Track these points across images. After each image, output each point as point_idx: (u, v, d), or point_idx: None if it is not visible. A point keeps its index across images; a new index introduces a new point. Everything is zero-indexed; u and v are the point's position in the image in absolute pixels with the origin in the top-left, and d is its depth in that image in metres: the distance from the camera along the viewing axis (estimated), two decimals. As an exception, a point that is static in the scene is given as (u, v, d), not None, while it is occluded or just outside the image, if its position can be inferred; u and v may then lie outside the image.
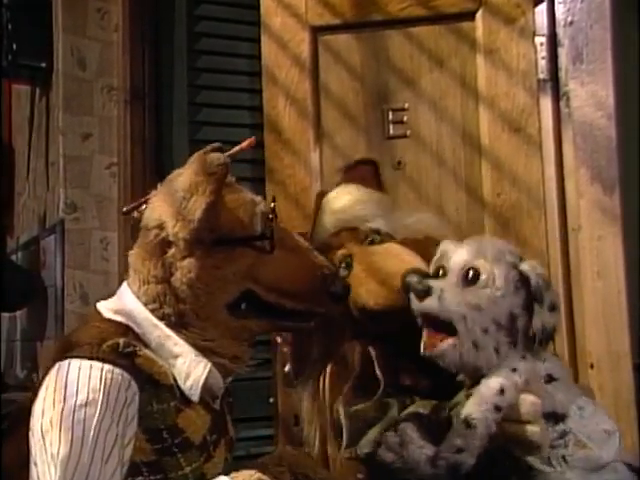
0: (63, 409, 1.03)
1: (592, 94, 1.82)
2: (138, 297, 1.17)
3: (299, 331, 1.32)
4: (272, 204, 1.25)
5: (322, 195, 1.38)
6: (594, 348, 1.78)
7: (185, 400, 1.13)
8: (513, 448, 1.12)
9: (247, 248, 1.18)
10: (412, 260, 1.29)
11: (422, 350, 1.21)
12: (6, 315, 2.87)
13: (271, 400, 1.94)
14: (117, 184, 2.41)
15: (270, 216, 1.21)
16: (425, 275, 1.23)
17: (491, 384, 1.12)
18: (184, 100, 2.31)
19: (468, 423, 1.09)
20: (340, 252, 1.32)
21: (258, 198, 1.24)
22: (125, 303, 1.18)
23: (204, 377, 1.14)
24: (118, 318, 1.16)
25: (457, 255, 1.23)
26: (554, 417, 1.16)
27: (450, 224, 1.88)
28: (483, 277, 1.19)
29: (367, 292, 1.27)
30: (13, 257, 2.97)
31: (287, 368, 1.88)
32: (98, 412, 1.03)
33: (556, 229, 1.85)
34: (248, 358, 1.24)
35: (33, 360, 2.68)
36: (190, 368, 1.14)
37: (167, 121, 2.33)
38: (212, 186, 1.13)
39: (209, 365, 1.15)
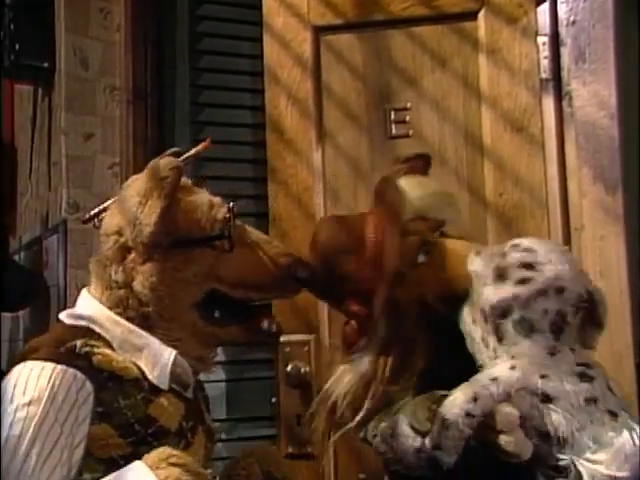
0: (7, 407, 1.05)
1: (594, 94, 1.81)
2: (101, 302, 1.19)
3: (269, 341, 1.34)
4: (230, 204, 1.25)
5: (391, 179, 1.37)
6: (597, 348, 1.77)
7: (154, 390, 1.15)
8: (497, 455, 1.10)
9: (206, 248, 1.20)
10: None
11: None
12: (9, 315, 2.88)
13: (273, 400, 1.94)
14: (119, 184, 2.41)
15: (227, 216, 1.23)
16: None
17: (465, 391, 1.12)
18: (186, 100, 2.31)
19: (443, 424, 1.10)
20: (419, 238, 1.31)
21: (216, 199, 1.25)
22: (85, 307, 1.21)
23: (170, 363, 1.16)
24: (79, 322, 1.18)
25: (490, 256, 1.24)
26: (549, 439, 1.12)
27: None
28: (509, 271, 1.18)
29: (450, 278, 1.26)
30: (16, 257, 2.97)
31: (289, 367, 1.89)
32: (41, 411, 1.05)
33: (558, 229, 1.84)
34: (213, 361, 1.28)
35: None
36: (156, 357, 1.16)
37: (169, 121, 2.33)
38: (165, 190, 1.15)
39: (174, 352, 1.17)
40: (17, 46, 2.52)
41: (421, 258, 1.29)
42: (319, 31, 2.00)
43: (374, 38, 1.98)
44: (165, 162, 1.18)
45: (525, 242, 1.23)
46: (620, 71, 1.82)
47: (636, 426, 1.14)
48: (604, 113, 1.81)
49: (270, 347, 1.96)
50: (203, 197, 1.24)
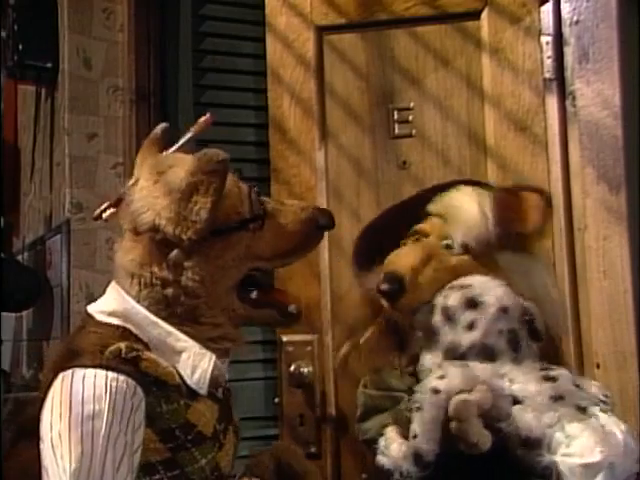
0: (70, 422, 1.03)
1: (598, 93, 1.81)
2: (138, 301, 1.16)
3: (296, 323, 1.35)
4: (238, 173, 1.26)
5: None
6: (600, 348, 1.77)
7: (192, 395, 1.14)
8: (459, 444, 1.13)
9: (242, 231, 1.20)
10: None
11: None
12: (12, 315, 2.88)
13: (276, 400, 1.94)
14: (123, 184, 2.40)
15: (256, 193, 1.24)
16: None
17: (435, 372, 1.19)
18: (189, 100, 2.30)
19: (416, 407, 1.16)
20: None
21: (237, 180, 1.25)
22: (119, 304, 1.18)
23: (210, 369, 1.15)
24: (114, 321, 1.16)
25: None
26: (527, 442, 1.15)
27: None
28: None
29: None
30: (19, 257, 2.98)
31: (292, 367, 1.89)
32: (105, 423, 1.03)
33: (562, 228, 1.84)
34: (242, 342, 1.28)
35: (39, 360, 2.69)
36: (195, 362, 1.15)
37: (172, 121, 2.32)
38: (215, 185, 1.13)
39: (213, 357, 1.16)
40: (20, 46, 2.53)
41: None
42: (322, 31, 1.99)
43: (377, 38, 1.98)
44: (210, 155, 1.16)
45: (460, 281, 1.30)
46: (624, 71, 1.81)
47: (606, 416, 1.19)
48: (608, 113, 1.80)
49: (273, 347, 1.96)
50: (228, 180, 1.21)
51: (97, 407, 1.03)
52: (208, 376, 1.15)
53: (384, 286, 1.32)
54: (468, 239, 1.35)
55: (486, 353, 1.23)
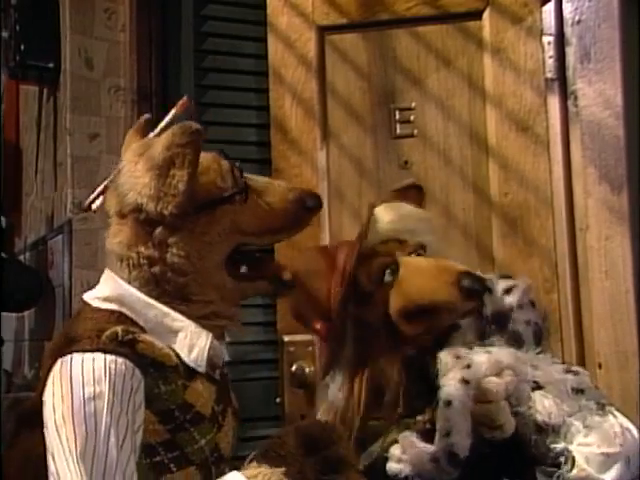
0: (72, 404, 1.04)
1: (600, 93, 1.81)
2: (130, 282, 1.17)
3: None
4: (225, 154, 1.26)
5: (373, 207, 1.40)
6: (602, 348, 1.77)
7: (189, 375, 1.15)
8: (481, 431, 1.13)
9: (225, 205, 1.20)
10: (462, 266, 1.30)
11: None
12: (14, 315, 2.88)
13: (278, 400, 1.94)
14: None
15: (235, 168, 1.23)
16: (479, 277, 1.25)
17: (461, 361, 1.17)
18: (191, 100, 2.30)
19: (445, 402, 1.12)
20: (386, 258, 1.33)
21: (215, 155, 1.25)
22: (113, 290, 1.19)
23: (208, 347, 1.16)
24: (109, 306, 1.17)
25: None
26: (545, 428, 1.16)
27: (457, 224, 1.89)
28: None
29: (416, 289, 1.28)
30: (21, 257, 2.98)
31: (294, 367, 1.89)
32: (107, 403, 1.04)
33: (564, 229, 1.84)
34: (239, 319, 1.28)
35: (41, 360, 2.69)
36: (193, 340, 1.16)
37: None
38: (190, 156, 1.14)
39: (210, 335, 1.17)
40: (22, 46, 2.53)
41: (387, 277, 1.31)
42: (323, 31, 1.99)
43: (379, 38, 1.98)
44: (181, 128, 1.16)
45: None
46: (626, 71, 1.81)
47: (622, 417, 1.20)
48: (609, 112, 1.80)
49: (275, 347, 1.96)
50: (205, 156, 1.22)
51: (98, 389, 1.05)
52: (206, 354, 1.16)
53: (473, 284, 1.24)
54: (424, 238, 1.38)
55: (514, 340, 1.24)
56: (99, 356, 1.07)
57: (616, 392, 1.73)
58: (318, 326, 1.38)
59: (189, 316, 1.17)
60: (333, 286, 1.32)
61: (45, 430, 1.07)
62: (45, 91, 2.73)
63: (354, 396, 1.30)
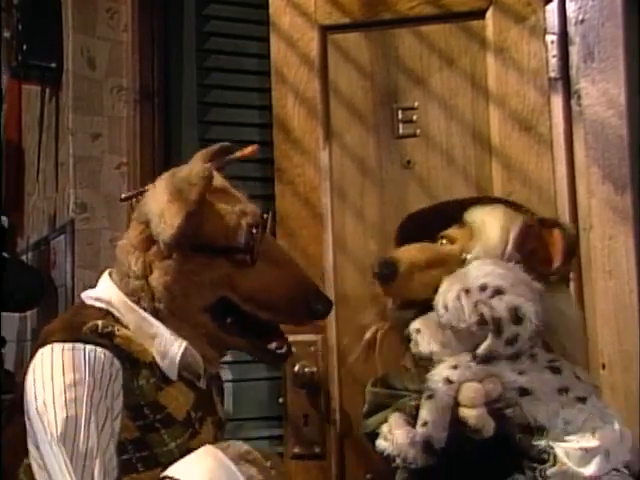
0: (54, 390, 1.08)
1: (603, 92, 1.80)
2: (119, 288, 1.21)
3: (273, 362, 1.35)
4: (265, 216, 1.27)
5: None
6: (606, 348, 1.76)
7: (166, 378, 1.17)
8: (462, 430, 1.17)
9: (226, 259, 1.20)
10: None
11: None
12: (16, 315, 2.88)
13: (280, 400, 1.93)
14: (127, 184, 2.41)
15: (255, 230, 1.22)
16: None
17: (447, 361, 1.21)
18: (193, 99, 2.31)
19: (428, 395, 1.18)
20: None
21: (250, 208, 1.25)
22: (105, 290, 1.23)
23: (179, 355, 1.18)
24: (98, 304, 1.21)
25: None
26: (529, 429, 1.19)
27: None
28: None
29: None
30: (23, 257, 2.98)
31: (296, 367, 1.89)
32: (87, 389, 1.08)
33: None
34: (218, 362, 1.29)
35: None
36: (166, 347, 1.18)
37: (176, 121, 2.33)
38: (193, 197, 1.15)
39: (184, 343, 1.19)
40: (24, 46, 2.53)
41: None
42: (326, 30, 1.98)
43: (381, 37, 1.97)
44: (199, 169, 1.19)
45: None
46: (629, 70, 1.80)
47: (603, 405, 1.26)
48: (613, 112, 1.79)
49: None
50: (236, 204, 1.24)
51: (78, 375, 1.09)
52: (177, 360, 1.18)
53: (376, 268, 1.33)
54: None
55: (513, 359, 1.24)
56: (78, 345, 1.11)
57: (620, 392, 1.72)
58: None
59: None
60: None
61: (26, 417, 1.11)
62: (47, 91, 2.73)
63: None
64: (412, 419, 1.22)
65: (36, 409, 1.09)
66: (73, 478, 1.05)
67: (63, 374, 1.09)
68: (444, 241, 1.41)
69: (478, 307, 1.23)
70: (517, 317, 1.22)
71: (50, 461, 1.06)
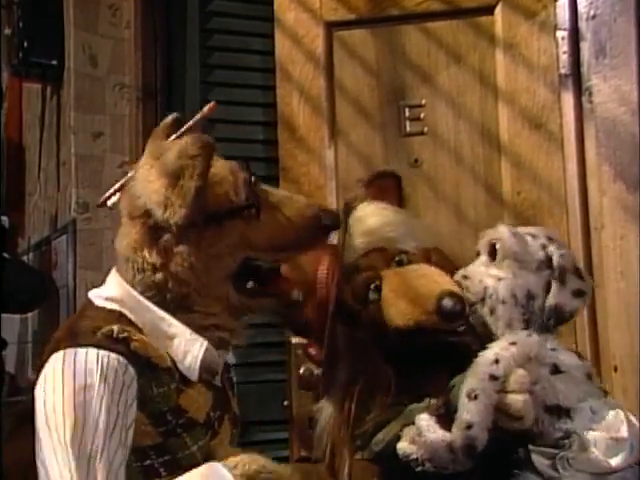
0: (64, 394, 1.05)
1: (615, 89, 1.78)
2: (133, 285, 1.17)
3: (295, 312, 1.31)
4: (247, 165, 1.24)
5: (348, 208, 1.37)
6: (617, 350, 1.75)
7: (185, 380, 1.15)
8: (499, 418, 1.12)
9: (236, 219, 1.18)
10: (443, 280, 1.28)
11: None
12: (18, 317, 2.87)
13: (285, 403, 1.92)
14: (129, 183, 2.40)
15: (252, 182, 1.21)
16: (459, 296, 1.23)
17: (486, 355, 1.14)
18: (197, 97, 2.29)
19: (470, 396, 1.11)
20: (369, 274, 1.31)
21: (235, 166, 1.23)
22: (116, 290, 1.19)
23: (201, 355, 1.15)
24: (111, 305, 1.18)
25: (486, 234, 1.29)
26: (557, 411, 1.16)
27: (468, 223, 1.86)
28: (498, 246, 1.25)
29: (397, 313, 1.26)
30: (24, 258, 2.97)
31: (302, 370, 1.87)
32: (97, 394, 1.05)
33: (578, 228, 1.81)
34: (242, 333, 1.26)
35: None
36: (187, 347, 1.15)
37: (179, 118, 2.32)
38: (198, 169, 1.13)
39: (205, 343, 1.16)
40: (25, 44, 2.52)
41: (372, 295, 1.30)
42: (331, 27, 1.97)
43: (388, 34, 1.95)
44: (194, 139, 1.15)
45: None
46: (642, 66, 1.78)
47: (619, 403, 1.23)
48: (625, 109, 1.78)
49: (283, 349, 1.94)
50: (223, 166, 1.22)
51: (89, 380, 1.06)
52: (198, 362, 1.15)
53: (454, 307, 1.21)
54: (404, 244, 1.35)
55: (558, 321, 1.24)
56: (92, 351, 1.08)
57: (632, 395, 1.70)
58: (313, 352, 1.36)
59: (189, 325, 1.17)
60: (319, 311, 1.30)
61: (36, 421, 1.08)
62: (48, 89, 2.73)
63: (344, 414, 1.31)
64: (439, 421, 1.16)
65: (45, 414, 1.06)
66: None
67: (74, 378, 1.06)
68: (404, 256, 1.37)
69: (547, 249, 1.23)
70: (579, 272, 1.23)
71: (51, 464, 1.04)
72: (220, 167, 1.21)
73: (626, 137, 1.77)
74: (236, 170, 1.22)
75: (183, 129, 1.28)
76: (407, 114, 1.92)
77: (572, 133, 1.83)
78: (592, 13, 1.82)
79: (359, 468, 1.33)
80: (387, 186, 1.45)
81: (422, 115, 1.92)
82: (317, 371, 1.86)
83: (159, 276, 1.15)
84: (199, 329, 1.17)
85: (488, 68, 1.89)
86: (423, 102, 1.92)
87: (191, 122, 1.29)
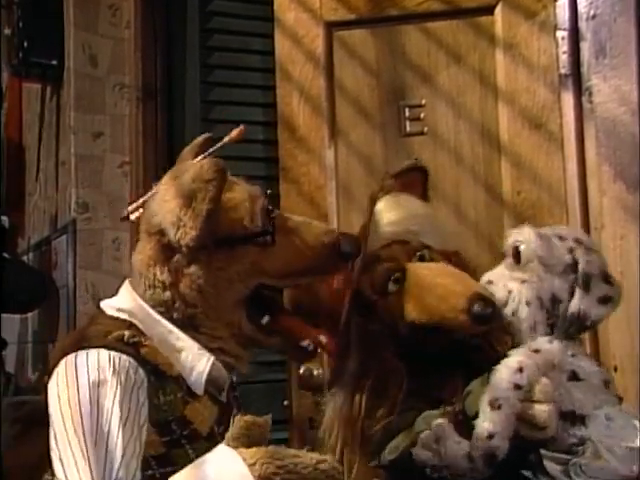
0: (78, 390, 1.07)
1: (615, 89, 1.78)
2: (144, 300, 1.18)
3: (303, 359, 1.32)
4: (267, 192, 1.25)
5: (375, 198, 1.36)
6: (618, 350, 1.75)
7: (191, 392, 1.15)
8: (521, 428, 1.10)
9: (249, 245, 1.19)
10: (473, 283, 1.26)
11: None
12: (17, 317, 2.87)
13: (286, 403, 1.92)
14: (129, 183, 2.41)
15: (269, 209, 1.21)
16: (491, 301, 1.22)
17: (509, 363, 1.12)
18: (197, 97, 2.30)
19: (493, 405, 1.09)
20: (390, 265, 1.30)
21: (255, 191, 1.23)
22: (127, 302, 1.20)
23: (207, 371, 1.16)
24: (121, 315, 1.19)
25: (511, 236, 1.27)
26: (572, 417, 1.14)
27: (468, 223, 1.86)
28: (522, 249, 1.23)
29: (421, 307, 1.24)
30: (24, 258, 2.97)
31: (302, 370, 1.87)
32: (109, 389, 1.07)
33: (578, 228, 1.80)
34: (249, 360, 1.26)
35: (45, 362, 2.67)
36: (193, 362, 1.16)
37: (179, 119, 2.32)
38: (211, 193, 1.13)
39: (212, 359, 1.17)
40: (25, 43, 2.52)
41: (391, 287, 1.28)
42: (331, 27, 1.97)
43: (388, 34, 1.95)
44: (210, 163, 1.16)
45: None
46: (642, 66, 1.78)
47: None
48: (625, 109, 1.77)
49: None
50: (242, 191, 1.22)
51: (102, 376, 1.07)
52: (204, 377, 1.16)
53: (484, 311, 1.19)
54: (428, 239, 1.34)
55: (580, 329, 1.22)
56: (104, 351, 1.09)
57: (632, 395, 1.69)
58: (324, 340, 1.35)
59: (195, 340, 1.18)
60: (331, 297, 1.30)
61: (50, 419, 1.09)
62: (48, 89, 2.73)
63: (354, 407, 1.29)
64: (457, 427, 1.15)
65: (59, 409, 1.07)
66: (93, 471, 1.03)
67: (88, 374, 1.07)
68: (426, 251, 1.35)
69: (573, 253, 1.21)
70: (607, 277, 1.21)
71: (66, 456, 1.05)
72: (239, 191, 1.21)
73: (626, 137, 1.77)
74: (255, 196, 1.22)
75: (210, 150, 1.29)
76: (407, 114, 1.92)
77: (572, 133, 1.83)
78: (592, 13, 1.81)
79: (361, 472, 1.31)
80: (414, 180, 1.44)
81: (422, 115, 1.92)
82: (317, 371, 1.87)
83: (168, 294, 1.17)
84: (207, 350, 1.18)
85: (488, 68, 1.89)
86: (423, 102, 1.92)
87: (218, 145, 1.30)
